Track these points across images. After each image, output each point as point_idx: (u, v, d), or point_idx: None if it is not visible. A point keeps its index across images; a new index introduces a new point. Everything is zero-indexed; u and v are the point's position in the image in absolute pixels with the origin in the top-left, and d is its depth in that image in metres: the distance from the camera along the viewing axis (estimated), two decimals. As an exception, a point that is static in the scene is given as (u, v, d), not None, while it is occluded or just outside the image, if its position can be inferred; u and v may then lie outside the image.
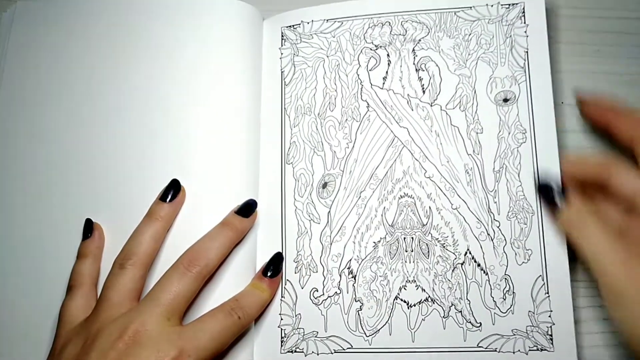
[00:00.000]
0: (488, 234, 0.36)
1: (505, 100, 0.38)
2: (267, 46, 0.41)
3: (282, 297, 0.36)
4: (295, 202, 0.38)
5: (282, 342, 0.35)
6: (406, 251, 0.36)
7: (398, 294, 0.36)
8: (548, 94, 0.37)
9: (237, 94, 0.39)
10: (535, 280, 0.35)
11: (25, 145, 0.39)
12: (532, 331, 0.34)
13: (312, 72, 0.39)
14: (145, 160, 0.38)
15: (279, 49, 0.41)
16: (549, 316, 0.34)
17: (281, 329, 0.36)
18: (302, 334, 0.35)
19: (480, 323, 0.35)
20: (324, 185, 0.38)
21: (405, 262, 0.36)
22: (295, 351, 0.35)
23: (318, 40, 0.40)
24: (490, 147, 0.37)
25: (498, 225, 0.36)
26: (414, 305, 0.35)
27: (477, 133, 0.37)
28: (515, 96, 0.38)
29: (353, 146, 0.38)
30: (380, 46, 0.40)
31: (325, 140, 0.38)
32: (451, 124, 0.38)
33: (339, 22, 0.40)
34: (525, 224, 0.36)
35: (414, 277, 0.36)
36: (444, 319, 0.35)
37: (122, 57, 0.40)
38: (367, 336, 0.35)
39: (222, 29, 0.39)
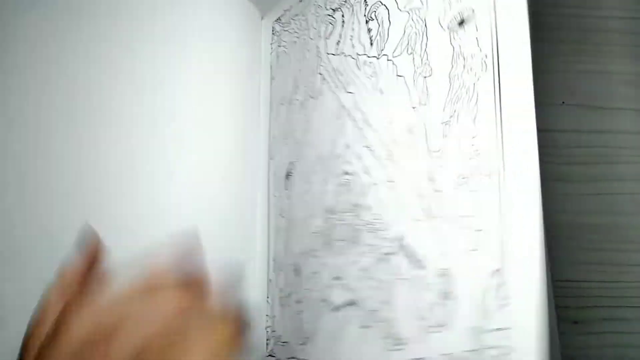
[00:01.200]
0: (426, 211, 0.25)
1: (461, 22, 0.26)
2: (263, 44, 0.40)
3: (267, 297, 0.33)
4: (273, 197, 0.35)
5: (267, 344, 0.32)
6: (337, 241, 0.29)
7: (326, 294, 0.28)
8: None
9: (236, 94, 0.38)
10: (490, 277, 0.22)
11: (22, 142, 0.39)
12: None
13: (288, 59, 0.37)
14: (142, 158, 0.37)
15: (270, 44, 0.39)
16: (506, 336, 0.21)
17: (266, 331, 0.33)
18: (276, 337, 0.32)
19: (406, 340, 0.24)
20: (287, 176, 0.34)
21: (337, 254, 0.28)
22: (271, 355, 0.32)
23: (294, 24, 0.37)
24: (439, 93, 0.26)
25: (440, 196, 0.25)
26: (338, 308, 0.27)
27: (424, 77, 0.27)
28: (473, 12, 0.26)
29: (309, 127, 0.33)
30: (337, 9, 0.34)
31: (291, 126, 0.35)
32: (397, 75, 0.29)
33: None
34: (477, 190, 0.23)
35: (341, 273, 0.28)
36: (365, 329, 0.25)
37: (122, 55, 0.39)
38: (304, 345, 0.29)
39: (220, 27, 0.38)
